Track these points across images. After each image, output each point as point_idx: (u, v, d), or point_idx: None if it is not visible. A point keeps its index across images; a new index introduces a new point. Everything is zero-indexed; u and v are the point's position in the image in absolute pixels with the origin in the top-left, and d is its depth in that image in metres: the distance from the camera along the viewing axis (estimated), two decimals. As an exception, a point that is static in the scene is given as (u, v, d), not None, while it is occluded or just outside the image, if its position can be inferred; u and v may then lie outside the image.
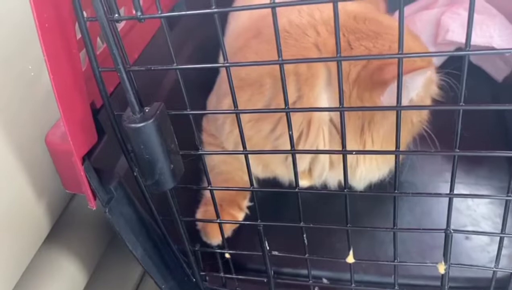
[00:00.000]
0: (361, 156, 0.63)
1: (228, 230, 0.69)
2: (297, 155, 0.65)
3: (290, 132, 0.45)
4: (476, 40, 0.77)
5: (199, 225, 0.70)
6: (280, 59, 0.41)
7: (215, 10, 0.39)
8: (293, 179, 0.70)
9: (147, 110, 0.45)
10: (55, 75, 0.42)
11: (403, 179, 0.69)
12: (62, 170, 0.51)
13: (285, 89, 0.42)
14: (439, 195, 0.45)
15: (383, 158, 0.64)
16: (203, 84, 0.80)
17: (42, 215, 0.58)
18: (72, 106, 0.46)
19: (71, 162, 0.48)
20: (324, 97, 0.61)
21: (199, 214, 0.72)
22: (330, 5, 0.65)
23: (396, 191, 0.46)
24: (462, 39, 0.81)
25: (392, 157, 0.63)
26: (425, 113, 0.65)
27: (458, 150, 0.41)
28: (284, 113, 0.61)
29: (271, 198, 0.72)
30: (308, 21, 0.62)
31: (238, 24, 0.81)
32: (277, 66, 0.61)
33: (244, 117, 0.52)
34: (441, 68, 0.90)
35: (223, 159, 0.76)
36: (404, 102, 0.56)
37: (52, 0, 0.42)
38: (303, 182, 0.72)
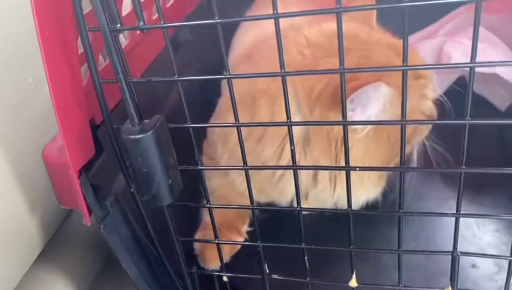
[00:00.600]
0: (337, 177, 0.62)
1: (227, 255, 0.67)
2: (279, 175, 0.65)
3: (292, 147, 0.44)
4: (479, 68, 0.77)
5: (197, 249, 0.69)
6: (282, 70, 0.40)
7: (218, 20, 0.39)
8: (291, 203, 0.70)
9: (146, 122, 0.44)
10: (54, 84, 0.41)
11: (407, 205, 0.68)
12: (58, 184, 0.50)
13: (287, 102, 0.42)
14: (445, 214, 0.44)
15: (360, 179, 0.62)
16: (207, 106, 0.80)
17: (35, 232, 0.56)
18: (71, 117, 0.45)
19: (67, 175, 0.47)
20: (296, 116, 0.61)
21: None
22: (306, 26, 0.65)
23: (400, 211, 0.45)
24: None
25: (374, 179, 0.63)
26: (412, 129, 0.63)
27: (464, 167, 0.40)
28: (264, 132, 0.62)
29: (271, 221, 0.71)
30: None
31: (241, 49, 0.82)
32: (255, 86, 0.62)
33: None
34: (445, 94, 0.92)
35: (223, 183, 0.75)
36: (361, 118, 0.56)
37: (55, 11, 0.42)
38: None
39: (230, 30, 0.90)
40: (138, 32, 0.69)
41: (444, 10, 0.98)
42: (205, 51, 0.92)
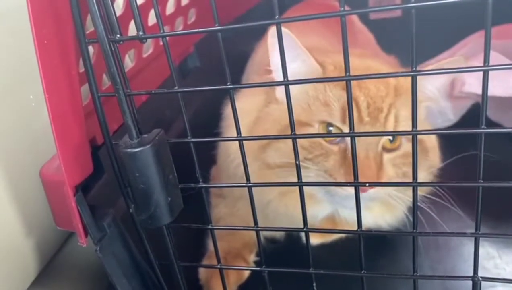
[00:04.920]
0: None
1: (233, 285, 0.64)
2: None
3: (297, 162, 0.42)
4: (494, 91, 0.75)
5: (202, 279, 0.65)
6: (285, 79, 0.39)
7: (218, 28, 0.38)
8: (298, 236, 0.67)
9: (145, 136, 0.43)
10: (51, 93, 0.40)
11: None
12: (54, 203, 0.48)
13: (291, 113, 0.40)
14: (463, 234, 0.41)
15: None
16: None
17: (30, 256, 0.54)
18: (67, 131, 0.44)
19: (64, 194, 0.45)
20: None
21: (201, 269, 0.67)
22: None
23: (414, 231, 0.42)
24: (478, 90, 0.80)
25: None
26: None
27: (482, 181, 0.38)
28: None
29: (280, 252, 0.68)
30: None
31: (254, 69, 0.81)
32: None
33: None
34: (459, 124, 0.89)
35: (229, 212, 0.72)
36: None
37: (55, 22, 0.42)
38: (313, 240, 0.68)
39: (246, 56, 0.91)
40: (144, 56, 0.70)
41: (456, 36, 0.97)
42: (213, 78, 0.92)
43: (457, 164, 0.63)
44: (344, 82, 0.52)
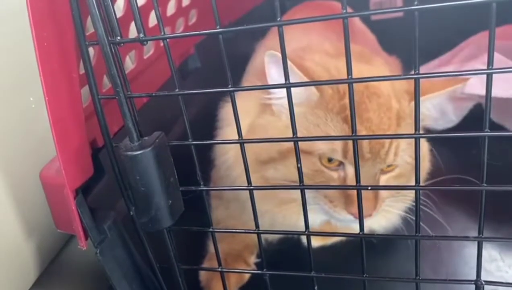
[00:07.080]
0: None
1: (234, 287, 0.63)
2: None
3: (299, 165, 0.42)
4: (497, 92, 0.74)
5: (203, 281, 0.65)
6: (287, 82, 0.38)
7: (220, 30, 0.37)
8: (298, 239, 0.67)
9: (145, 139, 0.42)
10: (51, 96, 0.40)
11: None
12: (55, 206, 0.48)
13: (292, 115, 0.40)
14: (466, 238, 0.40)
15: None
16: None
17: (31, 258, 0.54)
18: (68, 133, 0.43)
19: (64, 196, 0.45)
20: None
21: (202, 271, 0.67)
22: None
23: (417, 234, 0.41)
24: (480, 91, 0.80)
25: None
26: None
27: (485, 185, 0.37)
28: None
29: (282, 255, 0.67)
30: None
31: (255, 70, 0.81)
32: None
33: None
34: (460, 126, 0.89)
35: (230, 214, 0.72)
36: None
37: (54, 23, 0.41)
38: (314, 242, 0.67)
39: (246, 56, 0.90)
40: (145, 57, 0.69)
41: (458, 37, 0.97)
42: (214, 79, 0.91)
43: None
44: (346, 113, 0.53)
